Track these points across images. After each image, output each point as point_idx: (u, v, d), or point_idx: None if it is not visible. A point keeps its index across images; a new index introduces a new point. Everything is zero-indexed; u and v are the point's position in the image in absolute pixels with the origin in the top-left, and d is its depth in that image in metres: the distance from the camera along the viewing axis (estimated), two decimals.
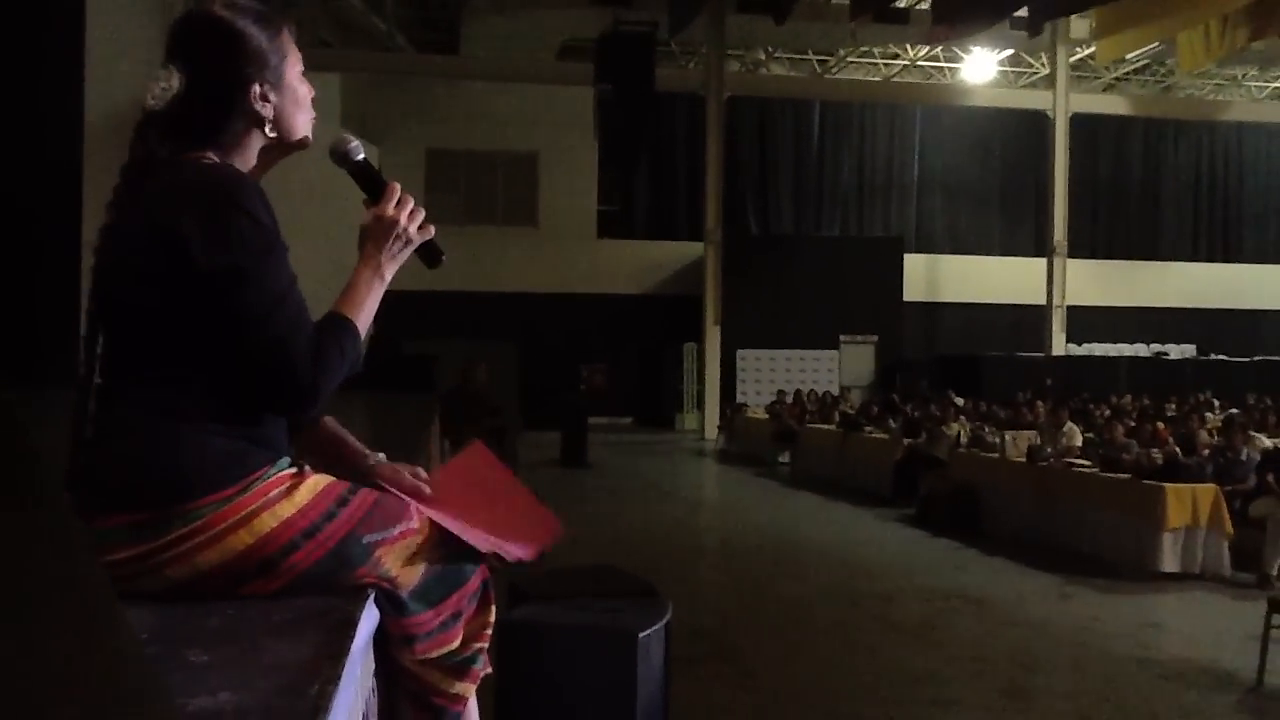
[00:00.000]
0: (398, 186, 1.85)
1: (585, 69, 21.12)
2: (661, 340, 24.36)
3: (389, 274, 1.81)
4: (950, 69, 26.25)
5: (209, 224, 1.61)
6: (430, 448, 5.38)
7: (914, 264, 25.48)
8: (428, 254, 1.88)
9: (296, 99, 1.80)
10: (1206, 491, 8.57)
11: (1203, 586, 8.18)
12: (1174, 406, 16.04)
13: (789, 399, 18.80)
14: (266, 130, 1.76)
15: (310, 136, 1.86)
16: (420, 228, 1.84)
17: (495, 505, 1.97)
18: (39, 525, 0.67)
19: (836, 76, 26.69)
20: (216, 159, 1.73)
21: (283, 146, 1.82)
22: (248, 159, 1.78)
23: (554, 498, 8.26)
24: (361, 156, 1.87)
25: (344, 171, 1.88)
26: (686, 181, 25.64)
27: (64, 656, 0.59)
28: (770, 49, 25.86)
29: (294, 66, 1.80)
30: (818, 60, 26.48)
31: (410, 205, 1.83)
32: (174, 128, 1.72)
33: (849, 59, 26.14)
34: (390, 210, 1.81)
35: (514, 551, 1.91)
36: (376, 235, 1.81)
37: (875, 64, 26.47)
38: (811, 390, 19.84)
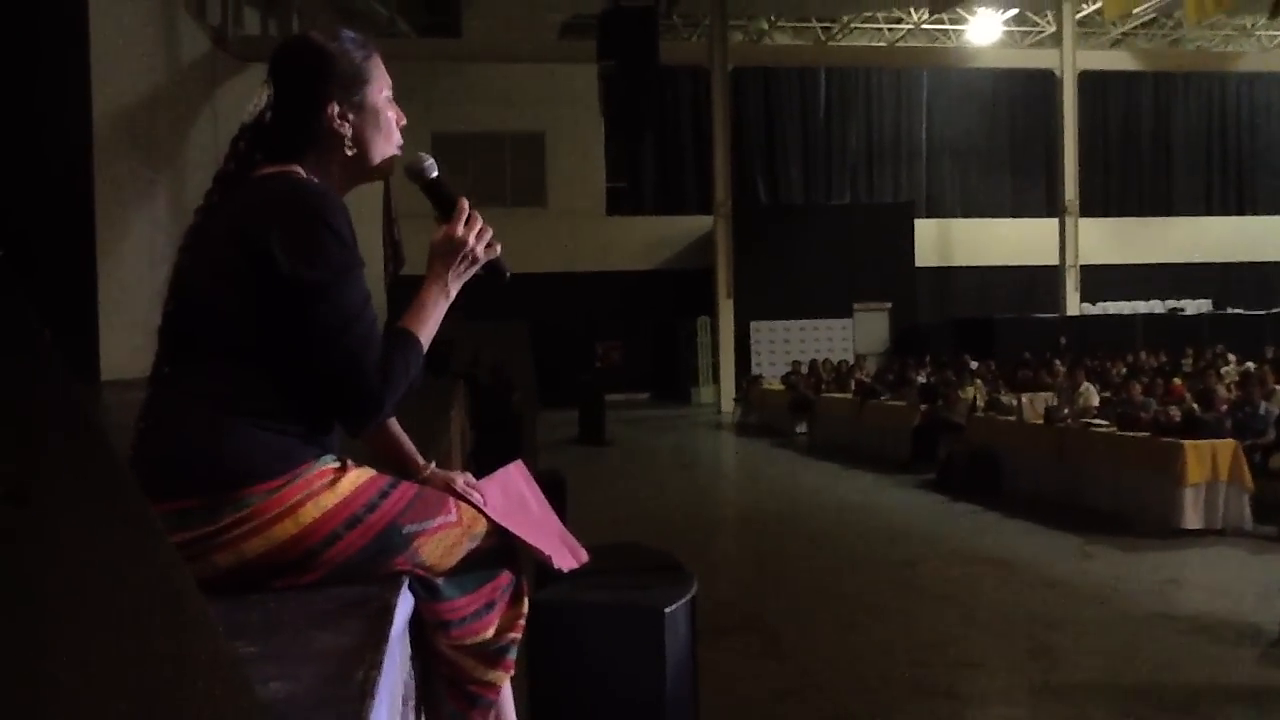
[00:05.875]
0: (466, 204, 1.89)
1: (588, 46, 21.02)
2: (675, 315, 24.39)
3: (454, 291, 1.88)
4: (955, 31, 26.07)
5: (297, 237, 1.68)
6: (451, 433, 5.43)
7: (925, 229, 25.41)
8: (492, 272, 1.93)
9: (378, 122, 1.84)
10: (1226, 446, 8.57)
11: (1225, 541, 8.20)
12: (1190, 362, 15.98)
13: (804, 369, 18.82)
14: (346, 149, 1.82)
15: (391, 163, 1.90)
16: (487, 246, 1.90)
17: (536, 519, 2.04)
18: (116, 516, 0.70)
19: (841, 43, 26.53)
20: (305, 174, 1.79)
21: (363, 169, 1.86)
22: (332, 177, 1.83)
23: (574, 475, 8.30)
24: (435, 174, 1.92)
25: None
26: (694, 155, 25.59)
27: (152, 646, 0.63)
28: (773, 18, 25.72)
29: (379, 91, 1.85)
30: (821, 28, 26.33)
31: (478, 224, 1.89)
32: (259, 140, 1.81)
33: (852, 25, 25.98)
34: (460, 230, 1.87)
35: (557, 559, 1.98)
36: (445, 254, 1.87)
37: (879, 29, 26.30)
38: (826, 359, 19.85)
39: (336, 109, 1.80)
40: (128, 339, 8.74)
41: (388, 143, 1.87)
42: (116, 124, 11.24)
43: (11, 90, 7.77)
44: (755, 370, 22.17)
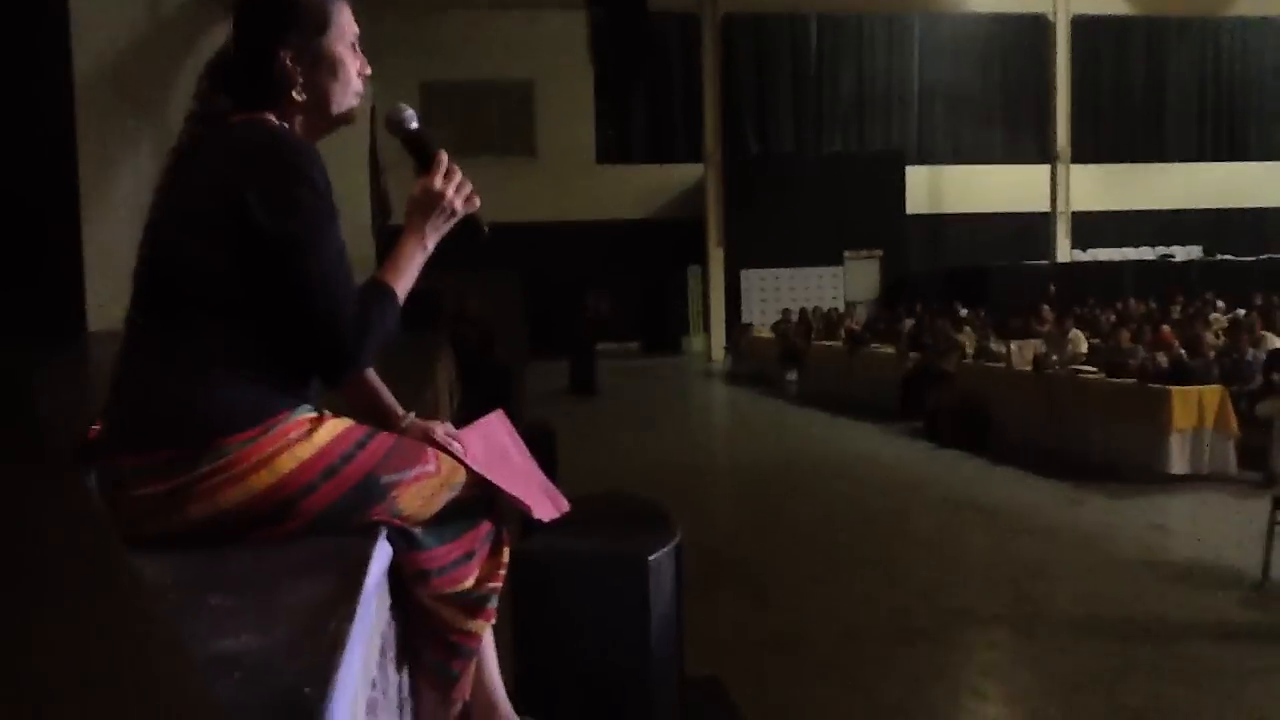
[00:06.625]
0: (445, 158, 1.88)
1: None
2: (665, 264, 24.33)
3: (432, 245, 1.87)
4: None
5: (273, 190, 1.66)
6: (437, 385, 5.42)
7: (916, 176, 25.28)
8: (470, 227, 1.92)
9: (334, 71, 1.82)
10: (1213, 392, 8.60)
11: (1210, 487, 8.26)
12: (1179, 309, 16.00)
13: (795, 317, 18.82)
14: (295, 94, 1.79)
15: (353, 112, 1.87)
16: (466, 199, 1.88)
17: (517, 468, 2.04)
18: (44, 477, 0.70)
19: None
20: (277, 121, 1.77)
21: (322, 117, 1.84)
22: (295, 124, 1.81)
23: (564, 425, 8.30)
24: (415, 126, 1.90)
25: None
26: (684, 103, 25.37)
27: (70, 609, 0.62)
28: None
29: (339, 39, 1.82)
30: None
31: (458, 178, 1.88)
32: (223, 78, 1.79)
33: None
34: (438, 182, 1.86)
35: (537, 509, 1.98)
36: (424, 207, 1.86)
37: None
38: (817, 307, 19.84)
39: (290, 54, 1.77)
40: (115, 289, 8.70)
41: (345, 92, 1.85)
42: (99, 75, 11.09)
43: None
44: (745, 319, 22.17)
